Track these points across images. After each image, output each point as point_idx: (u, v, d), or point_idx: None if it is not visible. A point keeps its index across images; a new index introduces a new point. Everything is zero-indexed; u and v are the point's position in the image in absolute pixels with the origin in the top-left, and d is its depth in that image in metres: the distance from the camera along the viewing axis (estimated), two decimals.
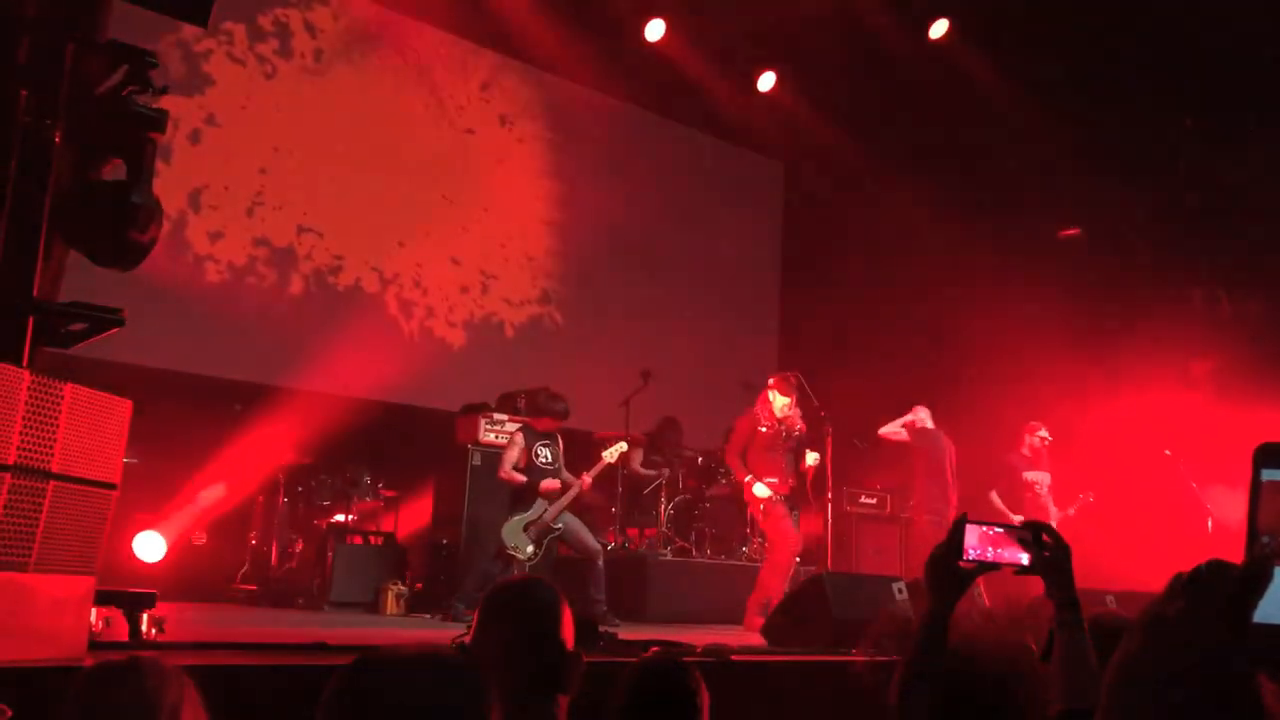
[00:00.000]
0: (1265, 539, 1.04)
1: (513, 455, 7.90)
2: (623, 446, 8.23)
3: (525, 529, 7.76)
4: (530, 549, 7.75)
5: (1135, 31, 10.04)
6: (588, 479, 7.97)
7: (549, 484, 7.81)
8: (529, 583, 2.46)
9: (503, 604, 2.37)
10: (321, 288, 10.27)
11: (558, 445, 8.09)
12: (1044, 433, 9.47)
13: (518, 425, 8.28)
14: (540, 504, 7.83)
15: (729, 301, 12.79)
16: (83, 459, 3.39)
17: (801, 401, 8.09)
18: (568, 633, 2.32)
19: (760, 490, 7.81)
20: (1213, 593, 1.01)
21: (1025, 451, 9.44)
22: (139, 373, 8.09)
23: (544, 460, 7.96)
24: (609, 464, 8.19)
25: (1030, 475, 9.32)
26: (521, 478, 7.83)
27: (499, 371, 10.15)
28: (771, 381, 8.08)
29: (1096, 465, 9.85)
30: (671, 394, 10.23)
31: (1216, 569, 1.03)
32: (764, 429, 7.93)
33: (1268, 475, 1.07)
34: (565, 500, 7.89)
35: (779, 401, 7.95)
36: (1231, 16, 9.25)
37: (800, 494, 8.20)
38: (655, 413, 10.19)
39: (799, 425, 8.06)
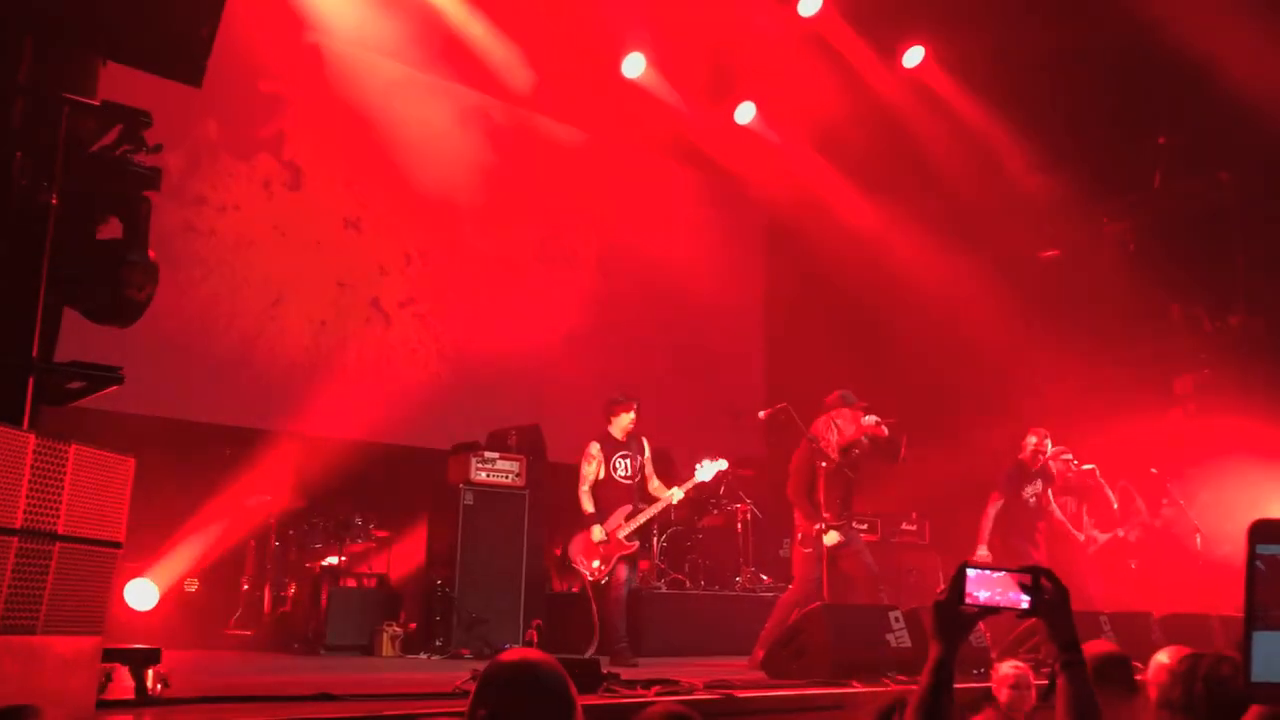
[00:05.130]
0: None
1: (589, 471, 7.63)
2: (722, 464, 7.83)
3: (593, 543, 7.55)
4: (597, 564, 7.52)
5: (1108, 52, 10.20)
6: (678, 494, 7.65)
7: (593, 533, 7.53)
8: (534, 665, 2.36)
9: (513, 689, 2.28)
10: (309, 329, 10.28)
11: (641, 455, 7.77)
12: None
13: (595, 441, 7.86)
14: (616, 517, 7.58)
15: (714, 332, 12.86)
16: (88, 519, 3.42)
17: (790, 430, 8.04)
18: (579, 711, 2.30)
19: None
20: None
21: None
22: (127, 420, 8.07)
23: (623, 474, 7.68)
24: (702, 483, 7.82)
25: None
26: (590, 506, 7.56)
27: (489, 410, 10.15)
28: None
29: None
30: (659, 426, 10.25)
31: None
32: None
33: (1263, 550, 1.13)
34: (643, 517, 7.60)
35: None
36: (1204, 36, 9.39)
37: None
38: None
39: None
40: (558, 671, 2.31)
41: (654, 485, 7.79)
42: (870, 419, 7.54)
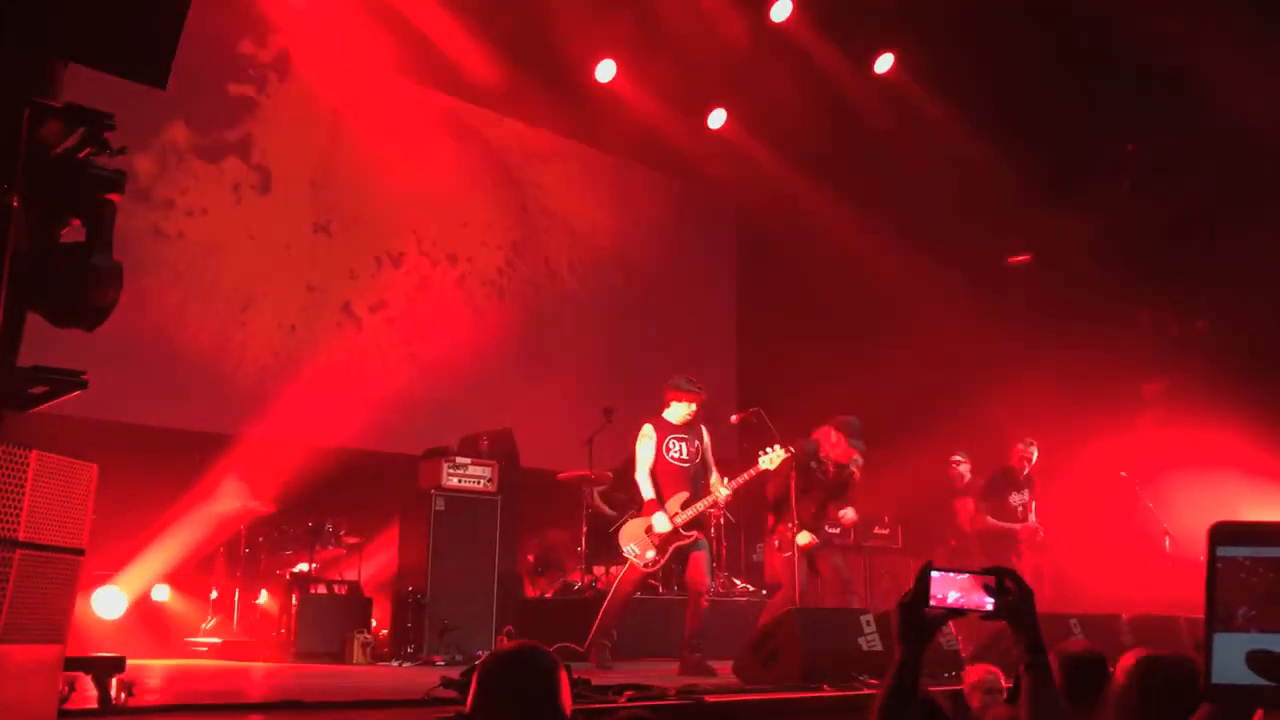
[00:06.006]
0: (1242, 611, 1.12)
1: (647, 453, 7.23)
2: (784, 453, 7.20)
3: (647, 531, 7.18)
4: (652, 554, 7.13)
5: (1077, 59, 10.28)
6: (735, 484, 7.22)
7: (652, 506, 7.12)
8: (527, 652, 2.48)
9: (503, 675, 2.37)
10: (279, 334, 10.21)
11: (699, 440, 7.38)
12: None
13: (648, 421, 7.46)
14: (672, 504, 7.16)
15: (687, 336, 12.86)
16: (49, 526, 3.36)
17: (762, 435, 8.01)
18: (566, 698, 2.36)
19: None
20: None
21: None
22: (93, 426, 7.98)
23: (676, 455, 7.26)
24: (765, 470, 7.19)
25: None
26: (650, 491, 7.16)
27: (461, 414, 10.11)
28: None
29: (1052, 488, 9.98)
30: (632, 427, 10.24)
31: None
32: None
33: (1223, 552, 1.14)
34: (702, 505, 7.14)
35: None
36: (1174, 43, 9.48)
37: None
38: (619, 450, 10.18)
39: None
40: (548, 655, 2.40)
41: (713, 479, 7.36)
42: (857, 460, 7.50)
